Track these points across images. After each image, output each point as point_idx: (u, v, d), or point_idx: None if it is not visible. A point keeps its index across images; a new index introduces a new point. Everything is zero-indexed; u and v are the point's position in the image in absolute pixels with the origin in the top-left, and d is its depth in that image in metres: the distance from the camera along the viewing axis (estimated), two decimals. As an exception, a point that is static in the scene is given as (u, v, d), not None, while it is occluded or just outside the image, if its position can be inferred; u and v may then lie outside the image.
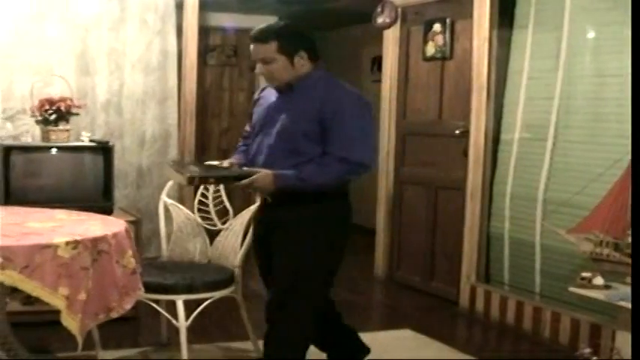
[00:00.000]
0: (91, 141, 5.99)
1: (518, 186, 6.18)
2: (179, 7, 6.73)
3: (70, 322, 3.69)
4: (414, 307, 6.81)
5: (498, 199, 6.39)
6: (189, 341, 4.65)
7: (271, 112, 4.16)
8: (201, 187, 4.95)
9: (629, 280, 4.37)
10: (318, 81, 4.09)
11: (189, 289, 4.60)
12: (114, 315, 3.91)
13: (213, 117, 9.64)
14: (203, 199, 5.05)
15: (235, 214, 4.96)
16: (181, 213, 5.09)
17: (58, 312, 3.76)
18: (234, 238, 4.92)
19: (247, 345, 5.11)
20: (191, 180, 4.02)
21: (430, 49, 7.04)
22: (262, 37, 4.07)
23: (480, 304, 6.40)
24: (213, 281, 4.68)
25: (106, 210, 5.42)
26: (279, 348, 4.18)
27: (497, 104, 6.37)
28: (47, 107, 5.85)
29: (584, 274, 4.67)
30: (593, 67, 5.52)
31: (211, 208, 4.95)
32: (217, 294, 4.67)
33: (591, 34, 5.63)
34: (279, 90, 4.16)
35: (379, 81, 8.14)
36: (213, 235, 5.01)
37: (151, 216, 6.11)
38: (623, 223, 4.58)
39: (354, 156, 3.99)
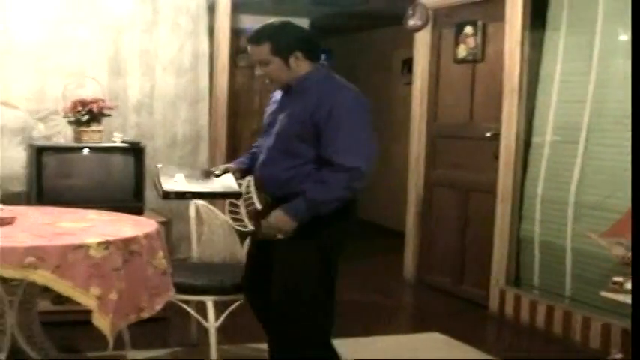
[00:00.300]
0: (122, 142, 6.02)
1: (549, 189, 6.15)
2: (211, 9, 6.74)
3: (102, 322, 3.71)
4: (444, 310, 6.80)
5: (529, 202, 6.37)
6: (219, 342, 4.66)
7: (274, 113, 4.13)
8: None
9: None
10: (315, 81, 3.99)
11: (219, 290, 4.62)
12: (145, 315, 3.93)
13: (244, 118, 9.66)
14: (234, 201, 5.05)
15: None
16: (212, 214, 5.10)
17: (88, 311, 3.79)
18: (264, 240, 4.92)
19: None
20: (166, 195, 4.01)
21: (461, 52, 7.02)
22: (255, 38, 4.04)
23: (509, 308, 6.38)
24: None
25: (137, 211, 5.44)
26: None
27: (529, 107, 6.35)
28: (80, 108, 5.89)
29: (616, 279, 4.65)
30: (626, 70, 5.49)
31: (242, 210, 4.95)
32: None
33: (623, 37, 5.60)
34: (283, 90, 4.12)
35: (410, 83, 8.13)
36: (243, 236, 5.02)
37: (181, 217, 6.12)
38: (655, 227, 4.55)
39: (348, 161, 3.85)
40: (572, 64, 6.01)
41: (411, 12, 7.43)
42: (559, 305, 5.93)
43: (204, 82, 6.73)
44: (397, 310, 7.08)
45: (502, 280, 6.49)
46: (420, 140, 7.59)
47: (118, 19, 6.40)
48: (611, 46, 5.68)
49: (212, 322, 4.59)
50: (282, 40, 3.99)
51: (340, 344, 5.61)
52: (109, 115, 6.02)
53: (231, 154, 7.44)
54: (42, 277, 3.68)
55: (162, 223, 4.62)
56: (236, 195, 4.11)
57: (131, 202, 5.81)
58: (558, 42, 6.12)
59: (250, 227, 4.29)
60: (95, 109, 5.90)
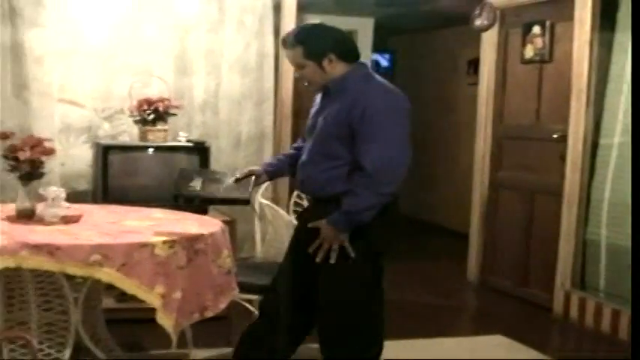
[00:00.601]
0: (187, 141, 6.05)
1: (617, 191, 6.07)
2: (276, 9, 6.75)
3: (165, 321, 3.73)
4: (507, 313, 6.75)
5: (596, 204, 6.29)
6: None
7: (315, 115, 4.09)
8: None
9: None
10: (352, 82, 3.93)
11: (282, 290, 4.61)
12: (208, 314, 3.95)
13: (308, 118, 9.67)
14: (298, 200, 5.06)
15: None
16: (276, 214, 5.11)
17: (151, 309, 3.81)
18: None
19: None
20: (175, 198, 4.05)
21: (529, 52, 6.95)
22: (288, 42, 4.00)
23: (574, 311, 6.31)
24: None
25: (202, 210, 5.47)
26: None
27: (597, 108, 6.27)
28: (145, 107, 5.93)
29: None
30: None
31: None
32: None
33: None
34: (322, 92, 4.07)
35: (475, 84, 8.08)
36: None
37: (245, 216, 6.13)
38: None
39: (375, 166, 3.78)
40: (642, 65, 5.92)
41: (477, 12, 7.37)
42: (625, 309, 5.84)
43: (270, 81, 6.74)
44: (460, 312, 7.04)
45: (567, 282, 6.42)
46: (485, 141, 7.53)
47: (184, 19, 6.43)
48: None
49: (274, 322, 4.59)
50: (314, 43, 3.94)
51: (402, 345, 5.62)
52: (174, 115, 6.06)
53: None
54: (107, 275, 3.72)
55: (226, 223, 4.63)
56: (244, 201, 4.13)
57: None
58: (628, 42, 6.02)
59: None
60: (161, 108, 5.93)
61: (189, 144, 6.02)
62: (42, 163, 4.34)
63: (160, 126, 5.95)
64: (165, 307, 3.73)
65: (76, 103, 6.21)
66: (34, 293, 4.21)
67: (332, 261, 3.85)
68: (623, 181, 5.99)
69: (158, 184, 5.88)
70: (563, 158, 6.47)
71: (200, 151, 5.96)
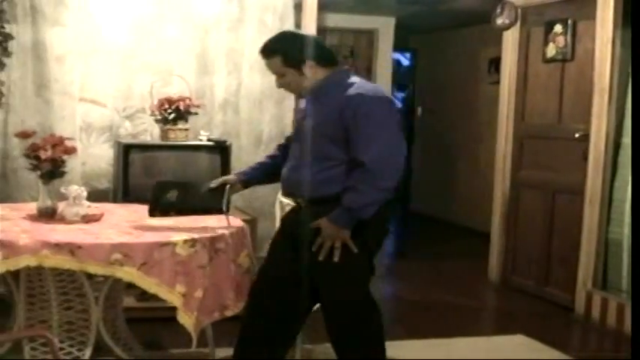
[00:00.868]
0: (208, 140, 6.06)
1: (640, 191, 6.03)
2: (297, 8, 6.74)
3: (186, 320, 3.74)
4: (529, 313, 6.72)
5: (618, 204, 6.25)
6: (302, 341, 4.66)
7: (300, 120, 4.14)
8: None
9: None
10: (335, 85, 3.95)
11: (302, 289, 4.61)
12: (229, 313, 3.95)
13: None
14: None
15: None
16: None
17: (171, 308, 3.82)
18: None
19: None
20: (151, 213, 4.06)
21: (551, 51, 6.92)
22: (266, 52, 4.07)
23: (596, 311, 6.28)
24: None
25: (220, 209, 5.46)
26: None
27: (620, 107, 6.24)
28: (166, 106, 5.93)
29: None
30: None
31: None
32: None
33: None
34: (306, 98, 4.10)
35: (497, 83, 8.05)
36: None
37: (265, 215, 6.14)
38: None
39: (372, 162, 3.78)
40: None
41: (499, 10, 7.35)
42: (648, 310, 5.81)
43: (290, 80, 6.73)
44: (481, 312, 7.02)
45: (589, 282, 6.39)
46: (507, 140, 7.50)
47: (205, 18, 6.43)
48: None
49: (295, 321, 4.58)
50: (291, 51, 3.98)
51: (424, 344, 5.61)
52: (195, 114, 6.07)
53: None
54: (128, 274, 3.73)
55: (247, 222, 4.63)
56: (217, 210, 4.15)
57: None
58: (650, 41, 5.99)
59: None
60: (182, 108, 5.94)
61: (210, 143, 6.03)
62: (63, 162, 4.35)
63: (180, 125, 5.96)
64: (186, 306, 3.74)
65: (97, 102, 6.22)
66: (55, 292, 4.22)
67: (336, 259, 3.86)
68: (646, 180, 5.96)
69: (179, 183, 5.87)
70: (585, 157, 6.44)
71: (221, 150, 5.96)
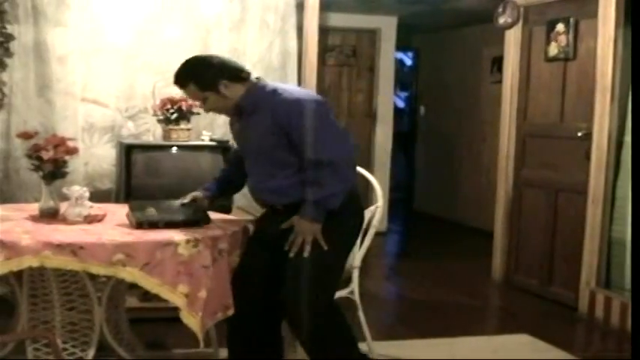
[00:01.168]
0: (210, 140, 6.05)
1: (642, 190, 6.03)
2: (299, 7, 6.74)
3: (191, 320, 3.74)
4: (532, 312, 6.71)
5: (621, 203, 6.25)
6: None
7: (241, 136, 4.22)
8: None
9: None
10: (260, 98, 4.02)
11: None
12: (230, 312, 3.95)
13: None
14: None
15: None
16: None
17: (174, 309, 3.82)
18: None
19: (362, 346, 5.08)
20: (139, 225, 4.04)
21: (553, 50, 6.92)
22: (179, 82, 4.12)
23: (599, 310, 6.27)
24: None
25: (225, 209, 5.47)
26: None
27: (622, 106, 6.23)
28: (169, 106, 5.93)
29: None
30: None
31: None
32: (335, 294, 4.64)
33: None
34: (236, 114, 4.16)
35: (499, 82, 8.05)
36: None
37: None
38: None
39: (325, 156, 3.85)
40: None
41: (501, 9, 7.35)
42: (652, 309, 5.80)
43: (293, 80, 6.73)
44: (484, 311, 7.02)
45: (592, 281, 6.38)
46: (509, 139, 7.50)
47: (207, 18, 6.43)
48: None
49: (298, 321, 4.58)
50: (203, 76, 4.04)
51: (427, 344, 5.61)
52: (197, 114, 6.06)
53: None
54: (130, 274, 3.73)
55: (250, 222, 4.62)
56: (200, 222, 4.15)
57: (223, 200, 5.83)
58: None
59: None
60: (184, 108, 5.93)
61: (213, 143, 6.02)
62: (65, 162, 4.35)
63: (183, 125, 5.96)
64: (190, 307, 3.73)
65: (100, 102, 6.22)
66: (58, 292, 4.22)
67: (306, 254, 3.92)
68: (649, 179, 5.95)
69: (181, 184, 5.85)
70: (587, 156, 6.44)
71: (223, 150, 5.95)
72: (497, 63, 9.42)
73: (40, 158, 4.28)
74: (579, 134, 6.57)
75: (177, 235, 3.84)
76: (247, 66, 6.44)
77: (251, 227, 4.36)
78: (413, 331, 5.99)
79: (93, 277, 4.10)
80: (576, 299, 6.54)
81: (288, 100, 3.94)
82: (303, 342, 4.11)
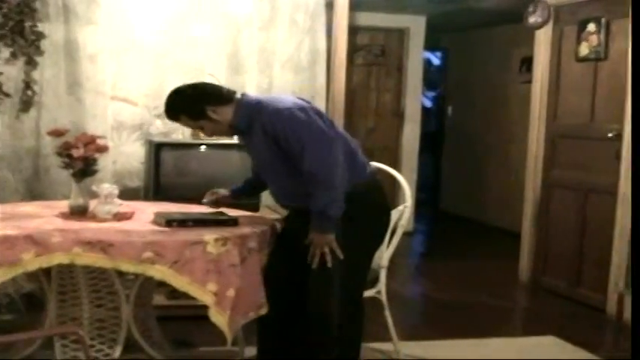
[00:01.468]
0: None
1: (673, 192, 5.98)
2: (329, 6, 6.73)
3: (219, 319, 3.74)
4: (559, 314, 6.68)
5: (651, 204, 6.20)
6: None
7: (248, 152, 4.32)
8: None
9: None
10: (250, 114, 4.06)
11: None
12: (263, 312, 3.95)
13: (360, 116, 9.67)
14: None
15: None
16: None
17: (201, 307, 3.83)
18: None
19: (388, 346, 5.10)
20: (169, 222, 4.06)
21: (584, 50, 6.88)
22: (171, 117, 4.22)
23: (627, 313, 6.23)
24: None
25: (253, 207, 5.47)
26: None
27: (653, 107, 6.19)
28: (198, 105, 5.94)
29: None
30: None
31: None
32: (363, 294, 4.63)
33: None
34: (235, 134, 4.27)
35: (528, 82, 8.02)
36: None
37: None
38: None
39: (312, 167, 3.91)
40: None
41: (531, 9, 7.31)
42: (681, 312, 5.76)
43: (322, 79, 6.72)
44: (512, 313, 6.99)
45: (621, 283, 6.34)
46: (538, 140, 7.46)
47: (237, 17, 6.43)
48: None
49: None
50: (190, 107, 4.11)
51: (453, 345, 5.59)
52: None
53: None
54: (159, 272, 3.74)
55: (277, 220, 4.63)
56: (232, 221, 4.18)
57: (248, 198, 5.84)
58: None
59: None
60: (214, 106, 5.94)
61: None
62: (95, 160, 4.37)
63: (212, 124, 5.96)
64: (218, 305, 3.73)
65: (129, 100, 6.24)
66: (86, 289, 4.24)
67: (329, 265, 3.95)
68: (680, 180, 5.91)
69: (210, 182, 5.85)
70: (618, 157, 6.40)
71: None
72: (527, 63, 9.39)
73: (70, 156, 4.30)
74: (610, 135, 6.53)
75: (206, 234, 3.84)
76: (276, 65, 6.56)
77: (279, 226, 4.35)
78: (439, 331, 5.97)
79: (121, 274, 4.12)
80: (604, 301, 6.51)
81: (271, 112, 3.99)
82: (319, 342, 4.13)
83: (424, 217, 11.10)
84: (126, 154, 6.22)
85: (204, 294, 3.74)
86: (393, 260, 4.87)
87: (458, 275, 7.95)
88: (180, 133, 6.26)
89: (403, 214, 4.83)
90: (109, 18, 6.12)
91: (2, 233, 3.74)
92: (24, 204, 4.92)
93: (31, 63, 5.52)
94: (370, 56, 9.74)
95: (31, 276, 4.46)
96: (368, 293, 4.66)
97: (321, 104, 6.72)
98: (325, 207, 3.89)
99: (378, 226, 4.28)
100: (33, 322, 4.62)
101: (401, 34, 9.90)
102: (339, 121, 6.76)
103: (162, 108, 6.19)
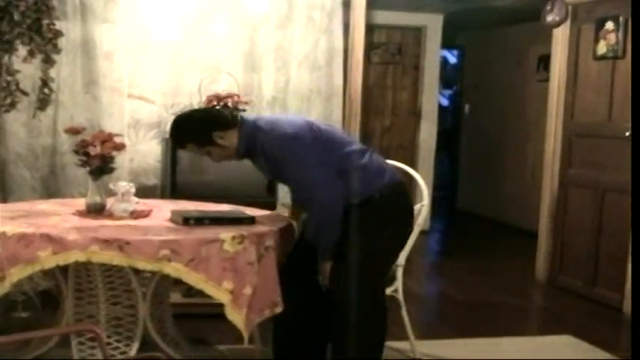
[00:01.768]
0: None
1: (691, 191, 5.95)
2: (346, 5, 6.73)
3: (235, 317, 3.74)
4: (576, 313, 6.65)
5: (669, 203, 6.17)
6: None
7: (258, 170, 4.34)
8: None
9: None
10: (251, 141, 4.07)
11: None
12: (278, 310, 3.95)
13: (376, 115, 9.65)
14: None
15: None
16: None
17: (217, 305, 3.83)
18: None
19: (405, 345, 5.09)
20: (186, 220, 4.06)
21: (601, 48, 6.85)
22: (180, 145, 4.27)
23: (645, 312, 6.20)
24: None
25: (269, 205, 5.48)
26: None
27: (672, 105, 6.16)
28: (215, 103, 5.94)
29: None
30: None
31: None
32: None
33: None
34: (244, 157, 4.25)
35: (545, 80, 8.00)
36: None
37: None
38: None
39: (302, 198, 4.06)
40: None
41: (549, 7, 7.28)
42: (699, 312, 5.73)
43: (339, 78, 6.72)
44: (528, 312, 6.97)
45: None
46: (555, 139, 7.44)
47: (253, 15, 6.44)
48: None
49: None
50: (198, 134, 4.11)
51: (470, 344, 5.58)
52: (243, 110, 6.06)
53: (363, 150, 7.44)
54: (176, 270, 3.74)
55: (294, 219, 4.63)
56: (249, 220, 4.18)
57: (264, 196, 5.84)
58: None
59: None
60: (230, 104, 5.94)
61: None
62: (112, 158, 4.37)
63: (229, 122, 5.96)
64: (234, 303, 3.73)
65: (146, 98, 6.26)
66: (103, 287, 4.25)
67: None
68: (698, 180, 5.88)
69: (226, 180, 5.89)
70: (635, 156, 6.37)
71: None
72: (544, 61, 9.35)
73: (87, 154, 4.31)
74: (627, 134, 6.49)
75: (223, 232, 3.84)
76: (293, 63, 6.56)
77: (296, 224, 4.36)
78: (455, 330, 5.96)
79: (138, 272, 4.12)
80: (621, 300, 6.48)
81: (269, 138, 4.02)
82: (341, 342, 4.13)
83: (441, 216, 11.08)
84: (142, 152, 6.24)
85: (220, 292, 3.74)
86: (409, 259, 4.85)
87: (474, 274, 7.93)
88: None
89: (420, 212, 4.82)
90: (126, 16, 6.14)
91: (19, 231, 3.76)
92: (41, 202, 4.94)
93: (48, 61, 5.51)
94: (387, 54, 9.73)
95: (48, 273, 4.45)
96: (386, 292, 4.65)
97: (337, 103, 6.73)
98: (321, 235, 4.00)
99: (402, 227, 4.28)
100: (49, 319, 4.63)
101: (418, 32, 9.88)
102: (356, 120, 6.76)
103: (179, 106, 6.29)
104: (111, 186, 4.33)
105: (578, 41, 7.22)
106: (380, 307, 4.15)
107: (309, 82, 6.59)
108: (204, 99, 6.01)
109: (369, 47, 9.12)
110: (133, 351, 4.27)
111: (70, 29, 5.99)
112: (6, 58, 5.43)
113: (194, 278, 3.75)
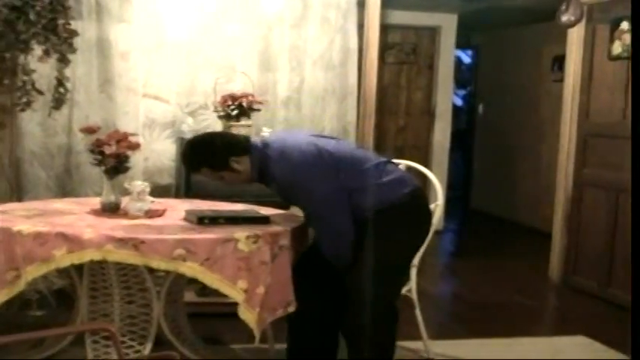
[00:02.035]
0: (270, 136, 6.07)
1: None
2: (360, 4, 6.73)
3: (248, 316, 3.75)
4: (590, 314, 6.64)
5: (684, 205, 6.16)
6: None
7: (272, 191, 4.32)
8: None
9: None
10: (263, 164, 4.04)
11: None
12: (291, 309, 3.95)
13: (390, 115, 9.66)
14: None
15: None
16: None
17: (231, 304, 3.83)
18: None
19: (418, 345, 5.09)
20: (200, 220, 4.07)
21: (617, 48, 6.83)
22: (193, 169, 4.23)
23: (660, 314, 6.18)
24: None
25: (284, 205, 5.47)
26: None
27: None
28: (229, 103, 5.95)
29: None
30: None
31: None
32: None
33: None
34: (258, 182, 4.22)
35: (560, 81, 7.99)
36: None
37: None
38: None
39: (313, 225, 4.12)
40: None
41: (564, 7, 7.26)
42: None
43: (353, 77, 6.73)
44: (542, 312, 6.96)
45: (653, 284, 6.29)
46: (570, 138, 7.42)
47: (268, 15, 6.45)
48: None
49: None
50: (211, 159, 4.07)
51: (483, 344, 5.57)
52: (258, 110, 6.08)
53: (378, 151, 7.44)
54: (190, 269, 3.74)
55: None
56: (263, 219, 4.20)
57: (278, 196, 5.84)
58: None
59: None
60: (245, 104, 5.95)
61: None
62: (127, 157, 4.38)
63: (243, 121, 5.97)
64: (247, 302, 3.74)
65: (161, 98, 6.28)
66: (118, 286, 4.26)
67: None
68: None
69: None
70: (650, 157, 6.35)
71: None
72: (558, 61, 9.34)
73: (102, 153, 4.32)
74: (642, 134, 6.48)
75: (237, 231, 3.85)
76: (308, 63, 6.57)
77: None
78: (469, 330, 5.96)
79: (152, 271, 4.13)
80: (636, 301, 6.46)
81: (278, 168, 3.99)
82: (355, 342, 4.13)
83: (455, 216, 11.07)
84: (157, 152, 6.25)
85: (234, 291, 3.75)
86: (423, 259, 4.85)
87: (488, 274, 7.92)
88: (212, 130, 6.28)
89: (434, 212, 4.82)
90: (141, 16, 6.16)
91: (34, 230, 3.77)
92: (56, 201, 4.95)
93: (63, 60, 5.54)
94: (401, 54, 9.73)
95: (62, 272, 4.47)
96: (400, 292, 4.66)
97: (352, 102, 6.74)
98: (333, 254, 4.03)
99: (419, 229, 4.27)
100: (64, 318, 4.65)
101: (432, 32, 9.88)
102: (370, 120, 6.77)
103: (193, 105, 6.30)
104: (126, 185, 4.34)
105: (593, 41, 7.21)
106: (392, 311, 4.15)
107: (324, 81, 6.60)
108: (219, 98, 6.02)
109: (384, 47, 9.12)
110: (147, 350, 4.28)
111: (85, 29, 6.01)
112: (22, 57, 5.47)
113: (209, 278, 3.76)
